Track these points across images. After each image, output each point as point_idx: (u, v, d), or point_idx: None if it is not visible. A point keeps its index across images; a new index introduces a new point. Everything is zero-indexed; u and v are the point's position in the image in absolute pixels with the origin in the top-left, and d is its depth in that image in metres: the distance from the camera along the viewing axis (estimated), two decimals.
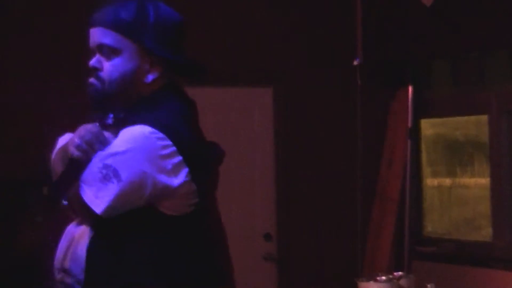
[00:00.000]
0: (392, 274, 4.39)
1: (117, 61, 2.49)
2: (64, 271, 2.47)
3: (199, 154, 2.46)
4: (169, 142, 2.39)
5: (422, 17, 5.92)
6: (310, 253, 6.16)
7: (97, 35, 2.51)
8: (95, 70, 2.51)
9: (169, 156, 2.39)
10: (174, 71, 2.58)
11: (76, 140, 2.43)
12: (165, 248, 2.42)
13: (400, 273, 4.43)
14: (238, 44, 5.94)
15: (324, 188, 6.23)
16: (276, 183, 6.16)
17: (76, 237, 2.47)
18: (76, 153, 2.43)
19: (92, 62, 2.52)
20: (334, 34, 6.23)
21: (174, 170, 2.39)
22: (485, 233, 5.93)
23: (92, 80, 2.52)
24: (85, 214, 2.43)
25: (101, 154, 2.41)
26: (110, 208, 2.36)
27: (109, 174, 2.35)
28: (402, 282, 4.29)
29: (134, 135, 2.39)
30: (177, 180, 2.39)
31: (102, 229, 2.42)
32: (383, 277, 4.30)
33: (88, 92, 2.53)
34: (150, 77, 2.51)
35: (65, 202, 2.51)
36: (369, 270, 5.78)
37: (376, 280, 4.31)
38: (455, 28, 5.87)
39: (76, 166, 2.43)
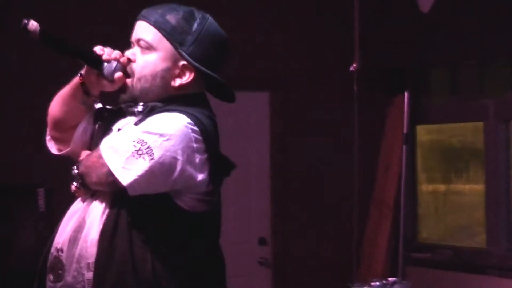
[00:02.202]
0: (386, 279, 4.39)
1: (150, 57, 2.54)
2: (73, 254, 2.46)
3: (221, 158, 2.53)
4: (201, 138, 2.45)
5: (420, 23, 5.94)
6: (305, 258, 6.16)
7: (140, 29, 2.57)
8: (128, 62, 2.55)
9: (198, 150, 2.44)
10: (204, 85, 2.62)
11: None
12: (177, 241, 2.45)
13: (394, 279, 4.44)
14: (235, 49, 5.93)
15: (320, 192, 6.23)
16: (271, 187, 6.17)
17: (88, 222, 2.46)
18: (100, 51, 2.53)
19: (128, 52, 2.58)
20: (331, 40, 6.25)
21: (200, 165, 2.44)
22: (480, 240, 5.94)
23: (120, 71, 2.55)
24: (102, 184, 2.43)
25: (136, 128, 2.45)
26: (136, 183, 2.37)
27: (142, 149, 2.38)
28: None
29: (173, 121, 2.43)
30: (201, 175, 2.44)
31: (117, 212, 2.43)
32: (377, 283, 4.31)
33: (115, 84, 2.55)
34: (178, 81, 2.55)
35: (75, 171, 2.49)
36: (364, 276, 5.78)
37: (370, 286, 4.31)
38: (452, 35, 5.88)
39: (85, 52, 2.51)
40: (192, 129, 2.43)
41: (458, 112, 6.05)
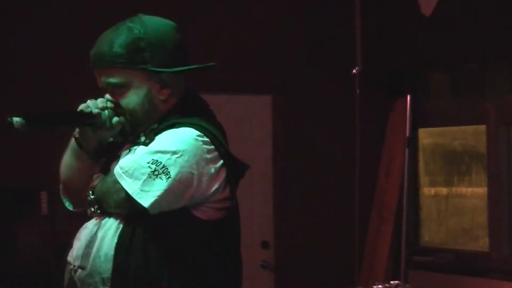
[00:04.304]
0: (388, 283, 4.38)
1: (128, 92, 2.53)
2: (85, 269, 2.46)
3: (234, 161, 2.54)
4: (212, 147, 2.46)
5: (421, 27, 5.94)
6: (307, 261, 6.16)
7: (102, 75, 2.54)
8: (115, 104, 2.53)
9: (212, 160, 2.46)
10: (184, 77, 2.60)
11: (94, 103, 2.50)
12: (195, 255, 2.46)
13: (396, 282, 4.43)
14: (238, 52, 5.95)
15: (322, 196, 6.23)
16: (273, 190, 6.16)
17: (99, 236, 2.47)
18: (87, 109, 2.48)
19: (107, 96, 2.55)
20: (333, 43, 6.25)
21: (216, 174, 2.46)
22: (482, 243, 5.94)
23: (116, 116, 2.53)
24: (121, 208, 2.44)
25: (147, 149, 2.44)
26: (157, 203, 2.38)
27: (158, 170, 2.39)
28: None
29: (183, 136, 2.44)
30: (217, 183, 2.46)
31: (133, 228, 2.42)
32: (380, 286, 4.30)
33: (114, 129, 2.54)
34: (165, 93, 2.54)
35: (91, 196, 2.50)
36: (366, 279, 5.79)
37: None
38: (454, 38, 5.89)
39: (74, 118, 2.48)
40: (202, 140, 2.44)
41: (460, 115, 6.05)
